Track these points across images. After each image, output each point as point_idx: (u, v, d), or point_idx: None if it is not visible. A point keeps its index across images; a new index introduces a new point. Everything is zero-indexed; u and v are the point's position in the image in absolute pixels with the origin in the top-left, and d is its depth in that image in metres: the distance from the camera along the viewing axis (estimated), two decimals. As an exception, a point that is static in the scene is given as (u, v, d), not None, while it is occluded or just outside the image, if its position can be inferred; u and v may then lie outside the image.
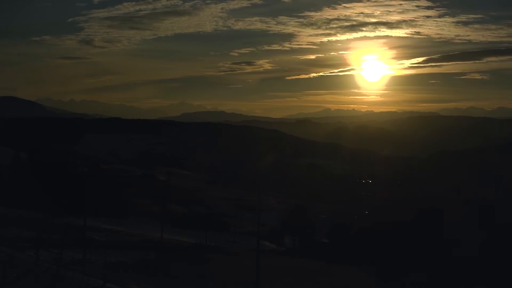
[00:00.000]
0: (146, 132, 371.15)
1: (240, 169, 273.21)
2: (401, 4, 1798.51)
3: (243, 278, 43.63)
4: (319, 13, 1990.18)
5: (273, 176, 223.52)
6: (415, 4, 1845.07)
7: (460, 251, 60.36)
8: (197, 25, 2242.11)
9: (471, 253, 59.52)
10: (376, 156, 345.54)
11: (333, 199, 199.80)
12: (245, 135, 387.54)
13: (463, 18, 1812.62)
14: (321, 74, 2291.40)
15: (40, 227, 51.02)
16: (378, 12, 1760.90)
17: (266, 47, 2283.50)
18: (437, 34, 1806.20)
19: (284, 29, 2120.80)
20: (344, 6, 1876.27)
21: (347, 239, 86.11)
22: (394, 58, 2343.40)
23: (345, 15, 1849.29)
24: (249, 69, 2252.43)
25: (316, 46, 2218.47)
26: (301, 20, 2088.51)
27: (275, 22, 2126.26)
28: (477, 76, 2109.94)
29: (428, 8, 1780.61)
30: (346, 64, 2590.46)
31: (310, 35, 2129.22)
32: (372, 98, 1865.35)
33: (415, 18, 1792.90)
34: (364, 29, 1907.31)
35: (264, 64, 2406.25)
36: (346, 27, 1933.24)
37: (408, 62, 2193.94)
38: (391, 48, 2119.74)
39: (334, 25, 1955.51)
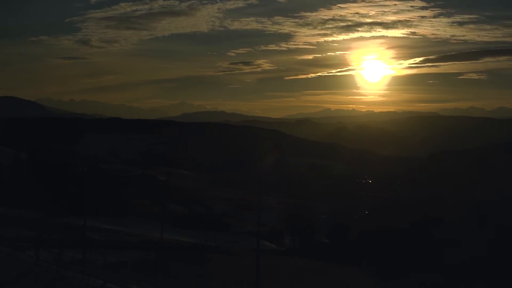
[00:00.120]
0: (146, 132, 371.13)
1: (240, 169, 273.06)
2: (395, 4, 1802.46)
3: (243, 278, 43.61)
4: (314, 14, 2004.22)
5: (273, 176, 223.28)
6: (409, 4, 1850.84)
7: (460, 252, 60.33)
8: (193, 25, 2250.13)
9: (471, 253, 59.49)
10: (376, 156, 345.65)
11: (333, 199, 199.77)
12: (245, 135, 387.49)
13: (458, 18, 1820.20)
14: (319, 74, 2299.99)
15: (40, 227, 51.00)
16: (373, 12, 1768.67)
17: (263, 47, 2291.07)
18: (433, 34, 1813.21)
19: (280, 29, 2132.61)
20: (339, 7, 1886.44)
21: (347, 239, 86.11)
22: (392, 58, 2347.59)
23: (341, 15, 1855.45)
24: (247, 69, 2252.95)
25: (312, 46, 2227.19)
26: (296, 20, 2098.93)
27: (270, 22, 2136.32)
28: (475, 76, 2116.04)
29: (422, 8, 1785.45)
30: (344, 64, 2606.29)
31: (307, 35, 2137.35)
32: (370, 98, 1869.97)
33: (410, 18, 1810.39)
34: (360, 29, 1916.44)
35: (262, 64, 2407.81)
36: (342, 27, 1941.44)
37: (406, 63, 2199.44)
38: (388, 48, 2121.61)
39: (330, 25, 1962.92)
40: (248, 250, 70.71)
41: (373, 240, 73.91)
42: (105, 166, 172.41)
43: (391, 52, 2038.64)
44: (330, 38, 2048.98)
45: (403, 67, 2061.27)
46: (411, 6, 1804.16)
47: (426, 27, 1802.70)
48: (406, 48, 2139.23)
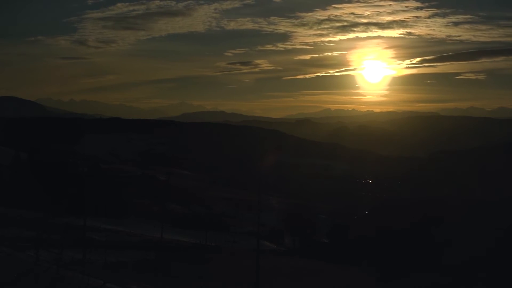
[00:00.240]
0: (146, 132, 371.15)
1: (240, 169, 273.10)
2: (390, 5, 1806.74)
3: (243, 278, 43.61)
4: (310, 14, 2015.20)
5: (273, 176, 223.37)
6: (404, 4, 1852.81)
7: (460, 252, 60.33)
8: (190, 25, 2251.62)
9: (471, 253, 59.49)
10: (376, 156, 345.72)
11: (333, 199, 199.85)
12: (245, 135, 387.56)
13: (452, 18, 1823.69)
14: (317, 74, 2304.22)
15: (40, 227, 50.98)
16: (368, 13, 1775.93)
17: (260, 47, 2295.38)
18: (428, 34, 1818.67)
19: (276, 29, 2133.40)
20: (334, 7, 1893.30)
21: (347, 239, 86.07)
22: (390, 58, 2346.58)
23: (336, 15, 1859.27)
24: (245, 69, 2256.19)
25: (309, 46, 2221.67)
26: (292, 20, 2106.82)
27: (266, 23, 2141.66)
28: (472, 76, 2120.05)
29: (417, 8, 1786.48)
30: (342, 65, 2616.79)
31: (303, 36, 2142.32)
32: (369, 98, 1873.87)
33: (405, 18, 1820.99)
34: (356, 29, 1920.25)
35: (260, 64, 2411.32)
36: (338, 27, 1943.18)
37: (404, 63, 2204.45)
38: (385, 48, 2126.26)
39: (326, 26, 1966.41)
40: (248, 250, 70.68)
41: (373, 240, 73.90)
42: (105, 166, 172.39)
43: (389, 52, 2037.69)
44: (326, 38, 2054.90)
45: (401, 67, 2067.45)
46: (406, 7, 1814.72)
47: (421, 27, 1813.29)
48: (403, 48, 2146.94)
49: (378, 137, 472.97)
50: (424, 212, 76.64)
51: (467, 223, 68.37)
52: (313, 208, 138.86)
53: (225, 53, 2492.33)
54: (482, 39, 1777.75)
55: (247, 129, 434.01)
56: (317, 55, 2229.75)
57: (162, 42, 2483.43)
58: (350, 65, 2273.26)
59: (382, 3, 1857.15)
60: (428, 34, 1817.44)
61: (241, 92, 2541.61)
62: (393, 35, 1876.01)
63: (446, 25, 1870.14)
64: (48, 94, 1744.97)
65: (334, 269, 60.74)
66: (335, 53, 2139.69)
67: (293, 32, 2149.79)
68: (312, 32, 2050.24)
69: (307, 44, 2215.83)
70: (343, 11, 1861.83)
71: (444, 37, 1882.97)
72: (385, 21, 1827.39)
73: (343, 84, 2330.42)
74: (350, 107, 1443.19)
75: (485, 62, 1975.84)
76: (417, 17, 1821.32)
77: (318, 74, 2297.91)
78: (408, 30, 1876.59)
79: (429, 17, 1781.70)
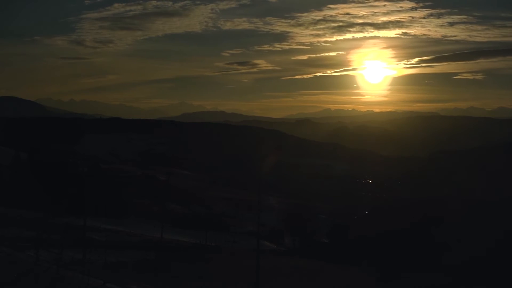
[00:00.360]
0: (146, 132, 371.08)
1: (240, 169, 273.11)
2: (385, 5, 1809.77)
3: (243, 278, 43.61)
4: (305, 14, 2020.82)
5: (273, 176, 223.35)
6: (399, 5, 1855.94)
7: (460, 252, 60.35)
8: (187, 25, 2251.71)
9: (471, 253, 59.50)
10: (376, 156, 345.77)
11: (333, 199, 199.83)
12: (245, 135, 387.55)
13: (448, 19, 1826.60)
14: (315, 74, 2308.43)
15: (40, 227, 50.97)
16: (364, 13, 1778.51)
17: (257, 48, 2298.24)
18: (424, 34, 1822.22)
19: (273, 29, 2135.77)
20: (329, 7, 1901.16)
21: (347, 239, 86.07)
22: (388, 58, 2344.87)
23: (331, 15, 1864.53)
24: (242, 69, 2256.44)
25: (306, 46, 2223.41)
26: (288, 20, 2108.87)
27: (262, 23, 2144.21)
28: (469, 77, 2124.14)
29: (412, 9, 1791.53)
30: (340, 65, 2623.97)
31: (300, 36, 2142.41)
32: (368, 98, 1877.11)
33: (400, 19, 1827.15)
34: (352, 29, 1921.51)
35: (258, 64, 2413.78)
36: (334, 27, 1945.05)
37: (402, 63, 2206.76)
38: (382, 48, 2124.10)
39: (322, 26, 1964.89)
40: (248, 250, 70.70)
41: (373, 240, 73.89)
42: (105, 166, 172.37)
43: (387, 52, 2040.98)
44: (323, 39, 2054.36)
45: (400, 68, 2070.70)
46: (401, 7, 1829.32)
47: (417, 28, 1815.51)
48: (400, 49, 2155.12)
49: (378, 137, 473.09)
50: (424, 212, 76.64)
51: (467, 223, 68.37)
52: (313, 208, 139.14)
53: (222, 53, 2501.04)
54: (478, 39, 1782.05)
55: (247, 129, 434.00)
56: (314, 55, 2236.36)
57: (159, 42, 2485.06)
58: (348, 65, 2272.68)
59: (376, 3, 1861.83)
60: (424, 35, 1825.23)
61: (240, 92, 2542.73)
62: (389, 35, 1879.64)
63: (441, 26, 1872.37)
64: (48, 94, 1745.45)
65: (334, 269, 60.72)
66: (332, 53, 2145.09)
67: (289, 32, 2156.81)
68: (308, 32, 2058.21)
69: (303, 44, 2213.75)
70: (338, 11, 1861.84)
71: (440, 37, 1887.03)
72: (380, 21, 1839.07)
73: (343, 84, 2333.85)
74: (350, 107, 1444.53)
75: (482, 62, 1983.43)
76: (412, 17, 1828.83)
77: (316, 74, 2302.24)
78: (404, 30, 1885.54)
79: (424, 17, 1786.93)
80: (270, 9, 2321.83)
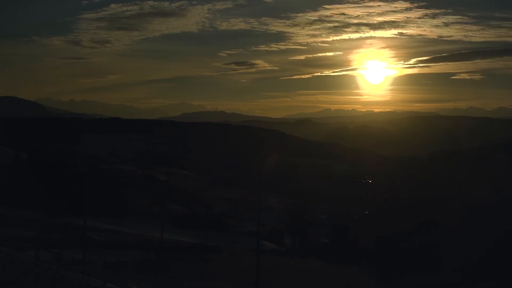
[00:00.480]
0: (146, 132, 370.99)
1: (240, 169, 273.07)
2: (379, 6, 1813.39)
3: (243, 278, 43.61)
4: (301, 14, 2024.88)
5: (273, 176, 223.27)
6: (393, 5, 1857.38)
7: (460, 252, 60.32)
8: (184, 25, 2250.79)
9: (471, 254, 59.46)
10: (376, 156, 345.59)
11: (333, 199, 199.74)
12: (245, 135, 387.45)
13: (443, 19, 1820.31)
14: (313, 74, 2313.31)
15: (40, 227, 50.98)
16: (359, 13, 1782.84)
17: (254, 48, 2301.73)
18: (420, 35, 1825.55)
19: (269, 30, 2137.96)
20: (325, 8, 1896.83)
21: (347, 239, 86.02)
22: (388, 58, 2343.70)
23: (327, 16, 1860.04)
24: (240, 69, 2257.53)
25: (303, 46, 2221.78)
26: (284, 21, 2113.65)
27: (258, 23, 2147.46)
28: (467, 77, 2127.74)
29: (407, 9, 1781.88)
30: (338, 65, 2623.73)
31: (296, 36, 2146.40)
32: (367, 98, 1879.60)
33: (396, 19, 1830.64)
34: (347, 30, 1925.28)
35: (256, 64, 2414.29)
36: (330, 28, 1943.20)
37: (400, 63, 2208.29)
38: (379, 48, 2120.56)
39: (317, 26, 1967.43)
40: (248, 250, 70.68)
41: (373, 240, 73.85)
42: (105, 166, 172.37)
43: (384, 53, 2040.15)
44: (319, 39, 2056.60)
45: (399, 68, 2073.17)
46: (395, 7, 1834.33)
47: (412, 28, 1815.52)
48: (397, 49, 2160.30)
49: (378, 137, 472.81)
50: (424, 213, 76.60)
51: (467, 224, 68.29)
52: (313, 208, 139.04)
53: (219, 54, 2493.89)
54: (474, 39, 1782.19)
55: (247, 129, 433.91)
56: (311, 56, 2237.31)
57: (156, 42, 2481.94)
58: (347, 65, 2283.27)
59: (371, 3, 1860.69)
60: (420, 35, 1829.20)
61: (239, 92, 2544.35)
62: (385, 36, 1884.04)
63: (436, 26, 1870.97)
64: (48, 94, 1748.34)
65: (334, 269, 60.73)
66: (329, 54, 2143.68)
67: (286, 32, 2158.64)
68: (304, 32, 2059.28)
69: (300, 44, 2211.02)
70: (333, 11, 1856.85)
71: (436, 37, 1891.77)
72: (376, 22, 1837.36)
73: (342, 84, 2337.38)
74: (349, 107, 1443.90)
75: (479, 63, 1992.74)
76: (407, 17, 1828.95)
77: (314, 74, 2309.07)
78: (400, 31, 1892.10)
79: (419, 18, 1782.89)
80: (266, 9, 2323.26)
